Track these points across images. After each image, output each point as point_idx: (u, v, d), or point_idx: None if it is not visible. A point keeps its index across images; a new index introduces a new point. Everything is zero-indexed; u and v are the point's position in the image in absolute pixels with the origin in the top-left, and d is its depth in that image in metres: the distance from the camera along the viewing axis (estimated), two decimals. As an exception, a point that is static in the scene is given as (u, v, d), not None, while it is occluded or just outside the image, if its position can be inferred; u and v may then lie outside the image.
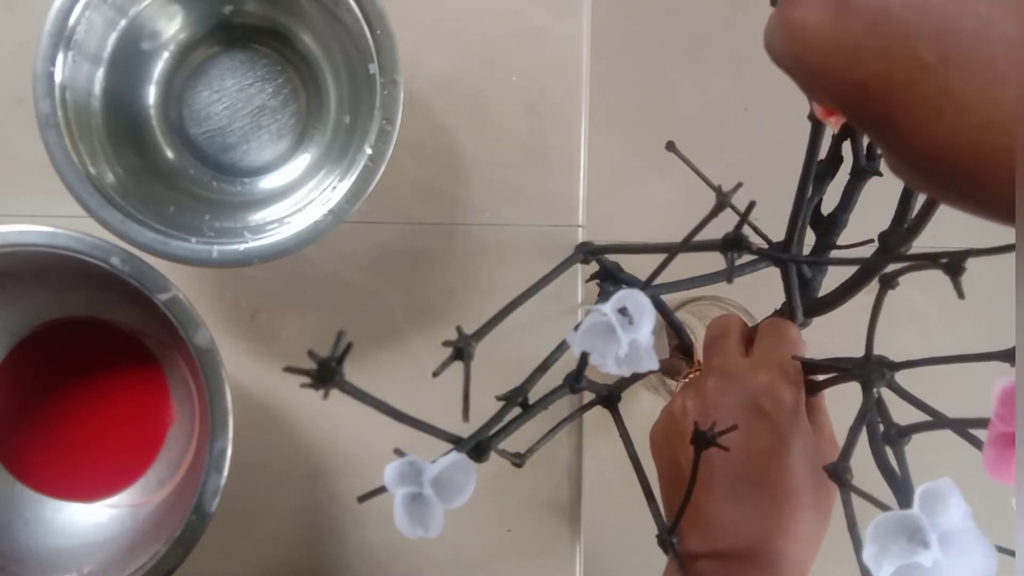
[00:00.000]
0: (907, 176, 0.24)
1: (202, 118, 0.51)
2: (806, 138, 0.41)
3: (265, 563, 0.55)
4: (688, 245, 0.31)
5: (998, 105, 0.19)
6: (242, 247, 0.45)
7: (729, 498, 0.38)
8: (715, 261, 0.34)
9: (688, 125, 0.60)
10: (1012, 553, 0.30)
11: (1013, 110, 0.19)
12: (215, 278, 0.55)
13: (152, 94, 0.51)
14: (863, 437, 0.34)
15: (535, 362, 0.39)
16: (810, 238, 0.44)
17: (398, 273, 0.56)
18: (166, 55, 0.51)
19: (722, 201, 0.29)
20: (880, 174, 0.41)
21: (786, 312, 0.44)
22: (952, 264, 0.27)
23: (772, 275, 0.44)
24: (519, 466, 0.43)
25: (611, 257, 0.47)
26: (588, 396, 0.44)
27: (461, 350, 0.31)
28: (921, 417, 0.34)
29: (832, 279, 0.43)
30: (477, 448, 0.33)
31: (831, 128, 0.39)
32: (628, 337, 0.28)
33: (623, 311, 0.28)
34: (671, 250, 0.33)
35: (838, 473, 0.33)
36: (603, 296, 0.44)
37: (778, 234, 0.43)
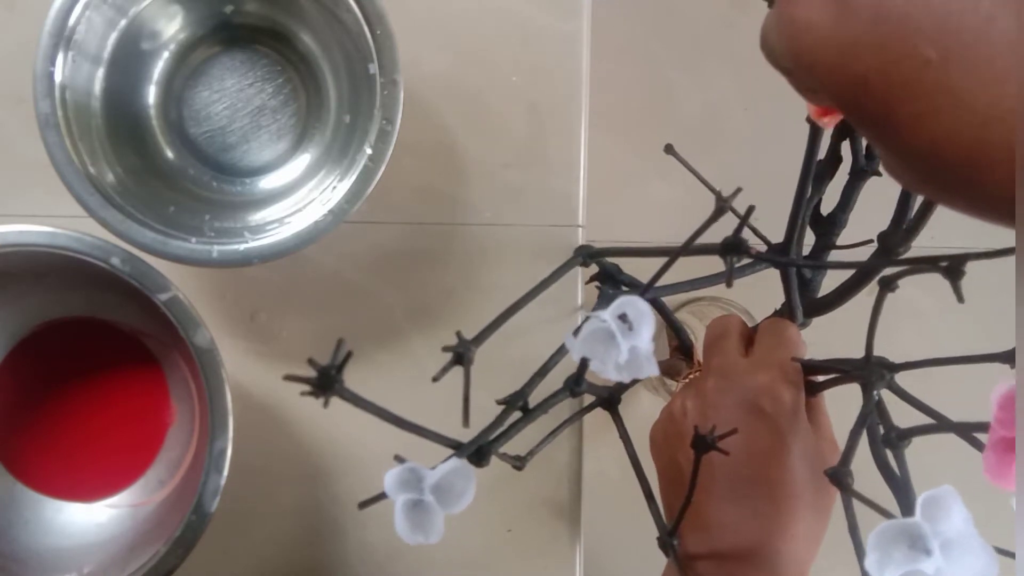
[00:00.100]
0: (904, 176, 0.24)
1: (202, 118, 0.51)
2: (806, 138, 0.41)
3: (265, 563, 0.55)
4: (688, 249, 0.31)
5: (998, 102, 0.19)
6: (242, 247, 0.45)
7: (729, 498, 0.38)
8: (715, 263, 0.34)
9: (688, 125, 0.60)
10: (1012, 555, 0.30)
11: (1013, 107, 0.19)
12: (215, 278, 0.55)
13: (152, 94, 0.51)
14: (864, 438, 0.34)
15: (536, 365, 0.39)
16: (810, 238, 0.44)
17: (398, 273, 0.56)
18: (166, 55, 0.51)
19: (722, 206, 0.29)
20: (879, 174, 0.41)
21: (786, 312, 0.44)
22: (951, 268, 0.27)
23: (772, 275, 0.44)
24: (519, 469, 0.43)
25: (610, 259, 0.47)
26: (588, 398, 0.44)
27: (461, 355, 0.31)
28: (923, 419, 0.34)
29: (832, 279, 0.43)
30: (477, 453, 0.33)
31: (830, 129, 0.39)
32: (628, 343, 0.28)
33: (623, 317, 0.28)
34: (671, 254, 0.33)
35: (839, 478, 0.33)
36: (603, 298, 0.44)
37: (778, 234, 0.43)
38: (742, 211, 0.32)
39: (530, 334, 0.52)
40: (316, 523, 0.55)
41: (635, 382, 0.44)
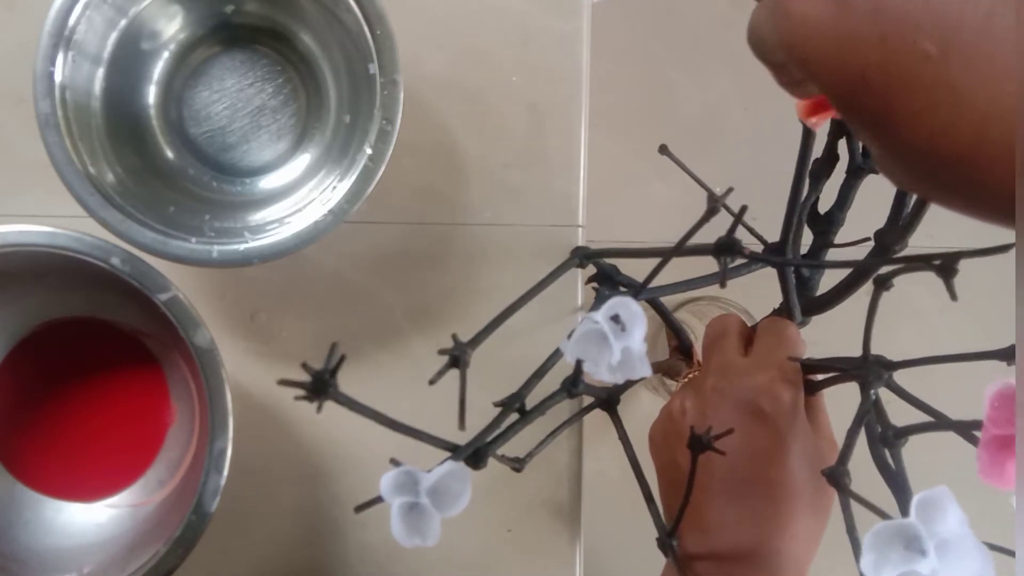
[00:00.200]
0: (899, 175, 0.23)
1: (202, 118, 0.51)
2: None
3: (265, 563, 0.55)
4: (681, 250, 0.31)
5: (998, 99, 0.19)
6: (242, 247, 0.45)
7: (728, 498, 0.38)
8: (713, 262, 0.34)
9: (688, 125, 0.60)
10: (1012, 553, 0.30)
11: (1012, 105, 0.19)
12: (215, 278, 0.55)
13: (152, 94, 0.51)
14: (862, 437, 0.34)
15: (537, 365, 0.39)
16: (808, 236, 0.44)
17: (398, 273, 0.56)
18: (166, 55, 0.51)
19: (713, 207, 0.29)
20: (876, 172, 0.41)
21: (785, 311, 0.44)
22: (944, 266, 0.27)
23: (771, 274, 0.44)
24: (518, 471, 0.43)
25: (608, 259, 0.47)
26: (587, 399, 0.44)
27: (457, 358, 0.31)
28: (922, 417, 0.34)
29: (831, 277, 0.43)
30: (474, 455, 0.33)
31: (817, 130, 0.39)
32: (620, 344, 0.28)
33: (616, 318, 0.28)
34: (665, 254, 0.33)
35: (836, 477, 0.33)
36: (599, 299, 0.44)
37: (778, 233, 0.43)
38: (740, 212, 0.32)
39: (530, 335, 0.52)
40: (316, 523, 0.55)
41: (633, 382, 0.44)
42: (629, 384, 0.43)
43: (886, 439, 0.34)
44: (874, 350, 0.34)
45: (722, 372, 0.40)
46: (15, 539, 0.47)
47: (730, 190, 0.30)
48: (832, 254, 0.44)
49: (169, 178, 0.50)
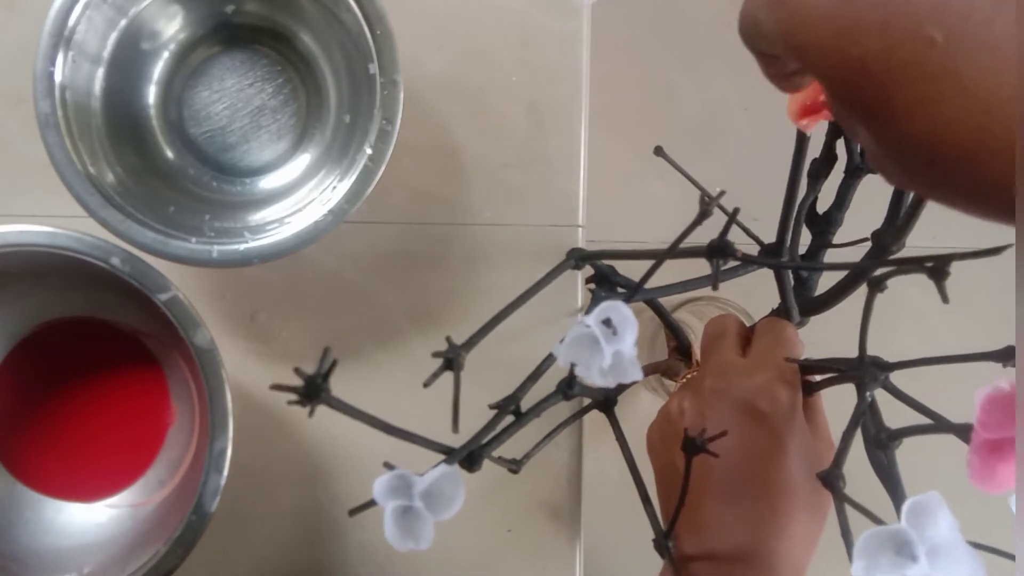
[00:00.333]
0: (895, 170, 0.23)
1: (202, 118, 0.51)
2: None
3: (265, 563, 0.55)
4: (675, 252, 0.31)
5: (1001, 90, 0.19)
6: (242, 247, 0.45)
7: (725, 499, 0.38)
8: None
9: (688, 125, 0.60)
10: (1004, 554, 0.30)
11: (1014, 96, 0.19)
12: (215, 278, 0.55)
13: (152, 94, 0.51)
14: (859, 439, 0.34)
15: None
16: (806, 236, 0.44)
17: (398, 273, 0.56)
18: (166, 55, 0.51)
19: (705, 209, 0.29)
20: (875, 172, 0.41)
21: (783, 312, 0.44)
22: (936, 268, 0.27)
23: (771, 275, 0.44)
24: (515, 472, 0.43)
25: (604, 261, 0.47)
26: (586, 401, 0.44)
27: (451, 360, 0.31)
28: (919, 419, 0.34)
29: (829, 277, 0.43)
30: (469, 458, 0.33)
31: (809, 132, 0.39)
32: (612, 348, 0.28)
33: (607, 322, 0.28)
34: (659, 257, 0.33)
35: (830, 480, 0.33)
36: (596, 300, 0.44)
37: (776, 234, 0.43)
38: (740, 214, 0.32)
39: (531, 336, 0.52)
40: (316, 523, 0.55)
41: (630, 384, 0.44)
42: (625, 386, 0.43)
43: (880, 441, 0.34)
44: (873, 350, 0.34)
45: (720, 373, 0.40)
46: (15, 539, 0.47)
47: (722, 193, 0.30)
48: (830, 254, 0.44)
49: (169, 178, 0.50)
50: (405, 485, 0.29)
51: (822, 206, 0.43)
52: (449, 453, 0.32)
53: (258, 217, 0.49)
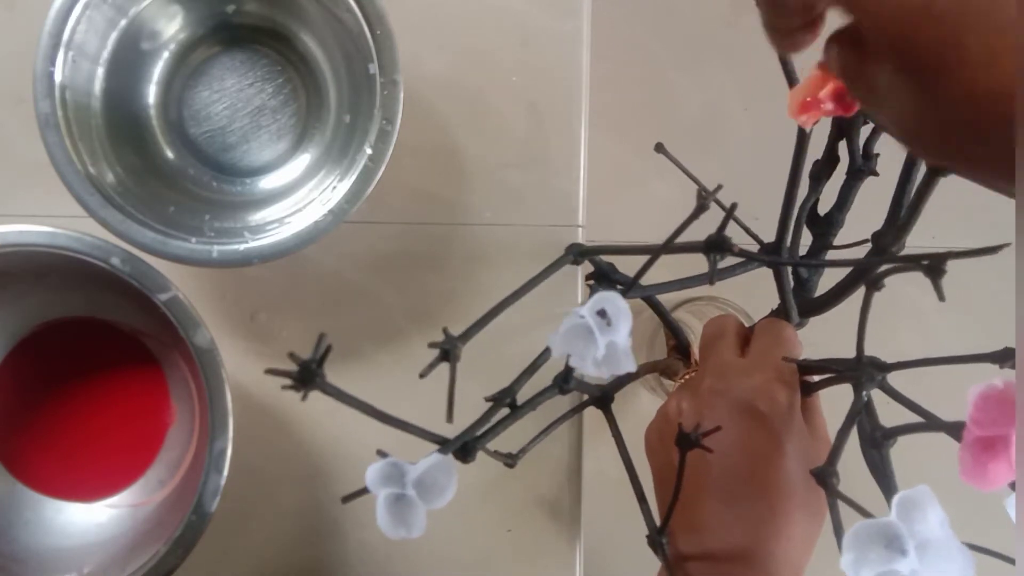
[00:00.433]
0: (933, 132, 0.21)
1: (202, 118, 0.51)
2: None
3: (265, 563, 0.55)
4: (672, 247, 0.31)
5: None
6: (242, 247, 0.45)
7: (723, 499, 0.38)
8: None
9: (688, 125, 0.60)
10: (1005, 558, 0.30)
11: None
12: (215, 278, 0.55)
13: (152, 94, 0.51)
14: (855, 439, 0.34)
15: (536, 363, 0.39)
16: (807, 238, 0.44)
17: (398, 273, 0.56)
18: (166, 55, 0.51)
19: (703, 203, 0.29)
20: (876, 174, 0.41)
21: (782, 312, 0.44)
22: (932, 266, 0.27)
23: (771, 275, 0.44)
24: (511, 466, 0.43)
25: (606, 258, 0.47)
26: (584, 396, 0.44)
27: (447, 351, 0.31)
28: (915, 418, 0.34)
29: (829, 279, 0.43)
30: (463, 449, 0.33)
31: (808, 128, 0.39)
32: (606, 339, 0.28)
33: (602, 313, 0.28)
34: (655, 251, 0.33)
35: (824, 477, 0.33)
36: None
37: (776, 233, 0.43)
38: (739, 210, 0.32)
39: (530, 332, 0.52)
40: (316, 523, 0.55)
41: (628, 379, 0.44)
42: (622, 382, 0.43)
43: (874, 439, 0.34)
44: (873, 350, 0.34)
45: (719, 373, 0.40)
46: (15, 539, 0.47)
47: (719, 187, 0.30)
48: (831, 256, 0.44)
49: (169, 178, 0.51)
50: (398, 473, 0.29)
51: (823, 207, 0.43)
52: (443, 443, 0.32)
53: (258, 217, 0.49)
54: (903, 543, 0.25)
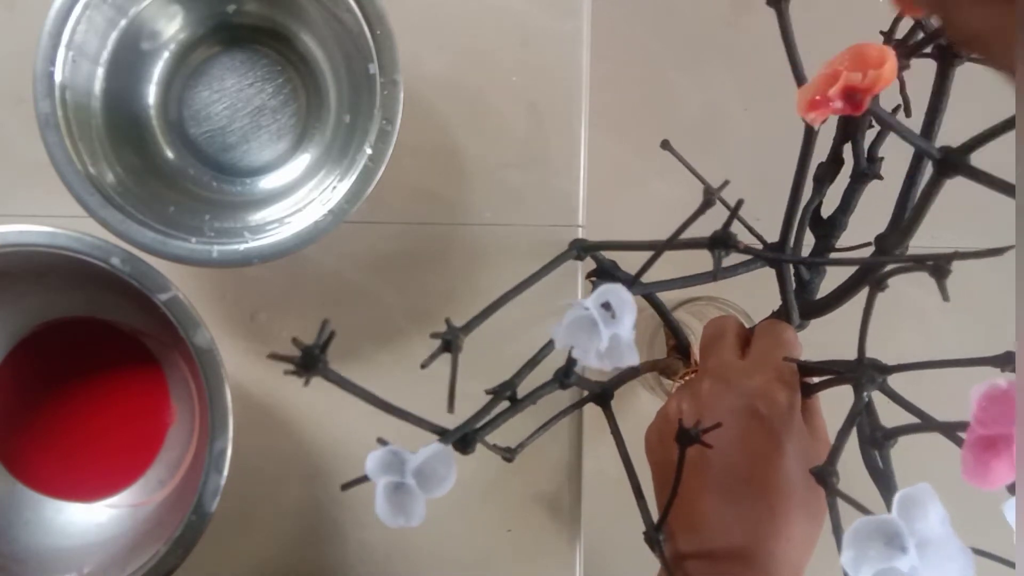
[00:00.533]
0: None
1: (202, 118, 0.51)
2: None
3: (265, 563, 0.55)
4: (676, 242, 0.31)
5: None
6: (242, 247, 0.45)
7: (723, 499, 0.38)
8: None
9: (688, 125, 0.60)
10: (1005, 562, 0.30)
11: None
12: (215, 278, 0.55)
13: (152, 94, 0.51)
14: (854, 440, 0.34)
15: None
16: (810, 240, 0.44)
17: (398, 273, 0.56)
18: (166, 55, 0.51)
19: (709, 199, 0.29)
20: (880, 177, 0.41)
21: (784, 314, 0.44)
22: (937, 266, 0.27)
23: (772, 276, 0.44)
24: (509, 460, 0.43)
25: (608, 255, 0.47)
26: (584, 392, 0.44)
27: (449, 342, 0.31)
28: (914, 419, 0.34)
29: (828, 283, 0.43)
30: (463, 440, 0.33)
31: (816, 126, 0.39)
32: (610, 332, 0.28)
33: (606, 306, 0.28)
34: (659, 247, 0.33)
35: (824, 477, 0.33)
36: (595, 293, 0.44)
37: (779, 235, 0.43)
38: (742, 210, 0.32)
39: (532, 329, 0.52)
40: (316, 523, 0.55)
41: (628, 377, 0.44)
42: (623, 378, 0.43)
43: (875, 440, 0.34)
44: (875, 350, 0.34)
45: (719, 374, 0.40)
46: (15, 539, 0.47)
47: (726, 183, 0.30)
48: (827, 257, 0.44)
49: (169, 178, 0.51)
50: (398, 461, 0.29)
51: (826, 210, 0.43)
52: (443, 434, 0.32)
53: (258, 217, 0.49)
54: (903, 540, 0.25)
